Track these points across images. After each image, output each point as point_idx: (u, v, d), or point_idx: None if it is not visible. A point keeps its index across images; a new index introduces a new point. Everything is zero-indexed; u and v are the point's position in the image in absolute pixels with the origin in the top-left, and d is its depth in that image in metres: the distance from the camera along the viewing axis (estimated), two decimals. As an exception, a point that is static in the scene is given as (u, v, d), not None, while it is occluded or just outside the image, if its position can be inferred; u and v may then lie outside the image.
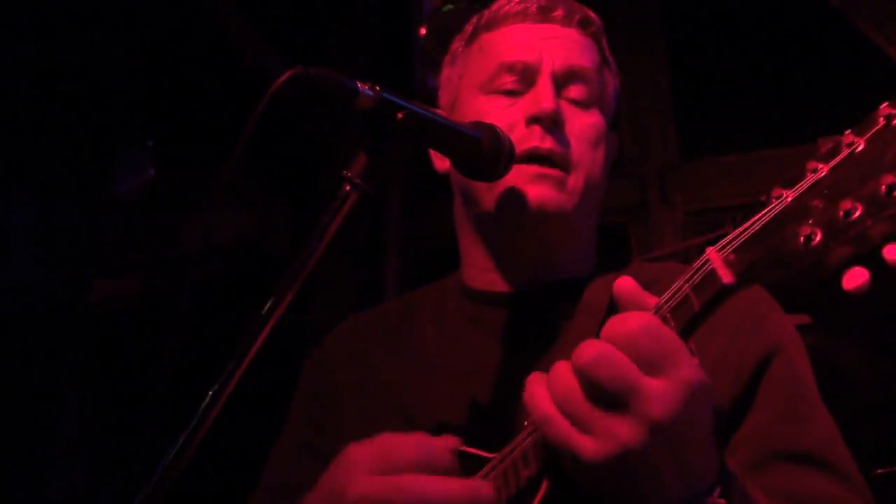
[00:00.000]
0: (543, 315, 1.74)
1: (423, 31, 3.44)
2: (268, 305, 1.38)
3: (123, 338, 5.15)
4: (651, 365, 1.12)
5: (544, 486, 1.31)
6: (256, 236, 4.69)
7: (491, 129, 1.61)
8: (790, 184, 1.06)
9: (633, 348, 1.12)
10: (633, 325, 1.14)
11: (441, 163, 1.92)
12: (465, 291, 1.87)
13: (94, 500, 4.96)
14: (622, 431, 1.11)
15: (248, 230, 4.67)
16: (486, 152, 1.59)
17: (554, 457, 1.24)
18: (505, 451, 1.38)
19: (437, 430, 1.63)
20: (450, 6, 3.37)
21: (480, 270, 1.84)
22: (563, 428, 1.16)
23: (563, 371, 1.18)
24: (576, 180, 1.71)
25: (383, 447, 1.40)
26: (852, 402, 3.48)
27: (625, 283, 1.22)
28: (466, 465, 1.47)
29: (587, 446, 1.13)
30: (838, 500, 1.45)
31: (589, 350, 1.13)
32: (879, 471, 3.32)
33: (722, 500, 1.18)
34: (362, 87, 1.43)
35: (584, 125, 1.75)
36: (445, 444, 1.41)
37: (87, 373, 5.19)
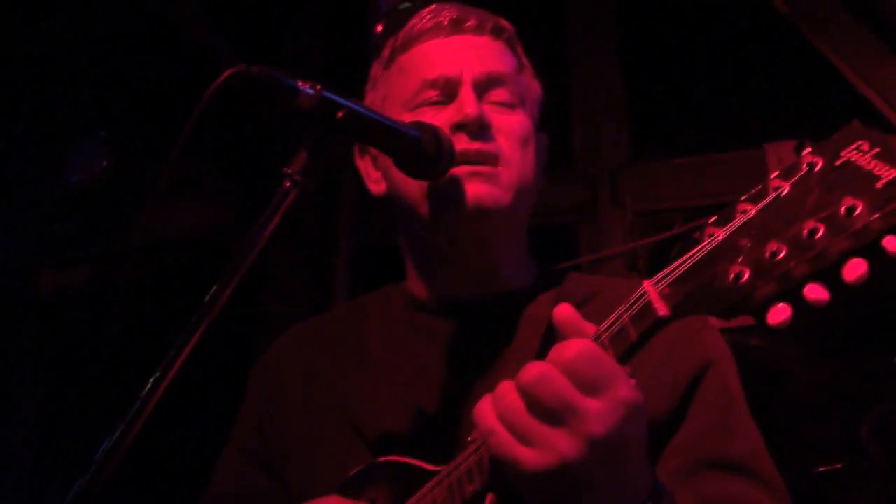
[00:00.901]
0: (487, 327, 1.77)
1: (379, 28, 3.44)
2: (208, 296, 1.41)
3: (72, 330, 5.11)
4: (590, 387, 1.18)
5: (489, 500, 1.37)
6: (208, 229, 4.67)
7: (431, 129, 1.64)
8: (722, 223, 1.13)
9: (573, 371, 1.18)
10: (573, 350, 1.20)
11: (376, 186, 1.92)
12: (410, 300, 1.88)
13: (41, 491, 4.92)
14: (562, 444, 1.17)
15: (200, 223, 4.65)
16: (426, 150, 1.62)
17: (498, 471, 1.29)
18: (451, 466, 1.42)
19: (383, 438, 1.67)
20: (407, 4, 3.35)
21: (425, 281, 1.86)
22: (505, 440, 1.21)
23: (507, 389, 1.24)
24: (509, 175, 1.73)
25: None
26: (794, 401, 3.55)
27: (564, 312, 1.28)
28: (412, 478, 1.51)
29: (528, 457, 1.19)
30: None
31: (532, 370, 1.19)
32: (822, 468, 3.40)
33: None
34: (303, 85, 1.47)
35: (511, 123, 1.77)
36: None
37: (34, 364, 5.14)
